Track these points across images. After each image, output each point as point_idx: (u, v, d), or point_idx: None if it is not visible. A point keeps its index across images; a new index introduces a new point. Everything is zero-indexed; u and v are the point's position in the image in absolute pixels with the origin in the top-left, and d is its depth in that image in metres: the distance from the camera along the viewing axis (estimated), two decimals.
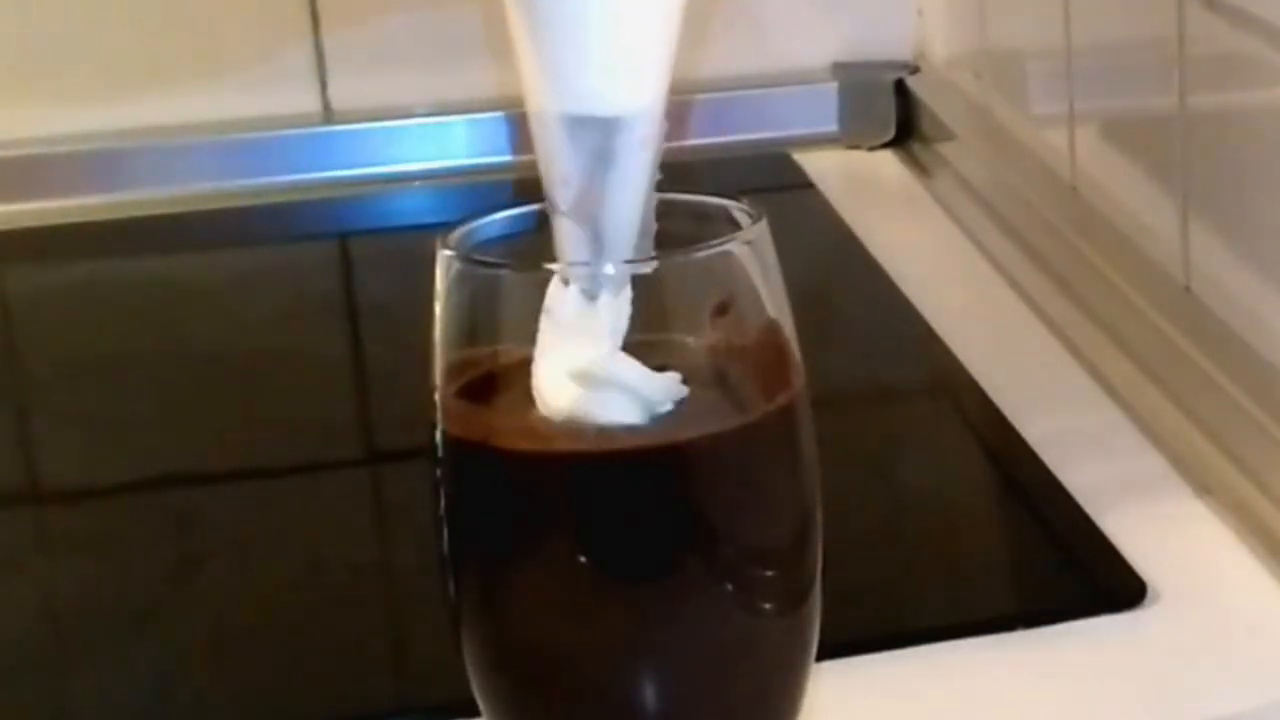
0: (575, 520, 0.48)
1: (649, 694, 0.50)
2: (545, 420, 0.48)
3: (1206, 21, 0.78)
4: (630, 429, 0.48)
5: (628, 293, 0.49)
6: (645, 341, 0.49)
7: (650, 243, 0.50)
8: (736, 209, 0.51)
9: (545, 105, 0.49)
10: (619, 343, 0.49)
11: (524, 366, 0.49)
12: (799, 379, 0.50)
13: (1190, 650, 0.67)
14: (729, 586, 0.49)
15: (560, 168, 0.49)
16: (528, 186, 0.51)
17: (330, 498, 0.83)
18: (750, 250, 0.50)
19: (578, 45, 0.48)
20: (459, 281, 0.50)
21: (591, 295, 0.49)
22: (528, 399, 0.49)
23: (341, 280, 1.11)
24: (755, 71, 1.18)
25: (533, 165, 0.50)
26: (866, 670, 0.66)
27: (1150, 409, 0.82)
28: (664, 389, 0.48)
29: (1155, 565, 0.71)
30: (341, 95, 1.17)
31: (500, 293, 0.49)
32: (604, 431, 0.48)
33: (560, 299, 0.49)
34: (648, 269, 0.49)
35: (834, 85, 1.18)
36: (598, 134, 0.49)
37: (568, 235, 0.49)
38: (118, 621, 0.73)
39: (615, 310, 0.49)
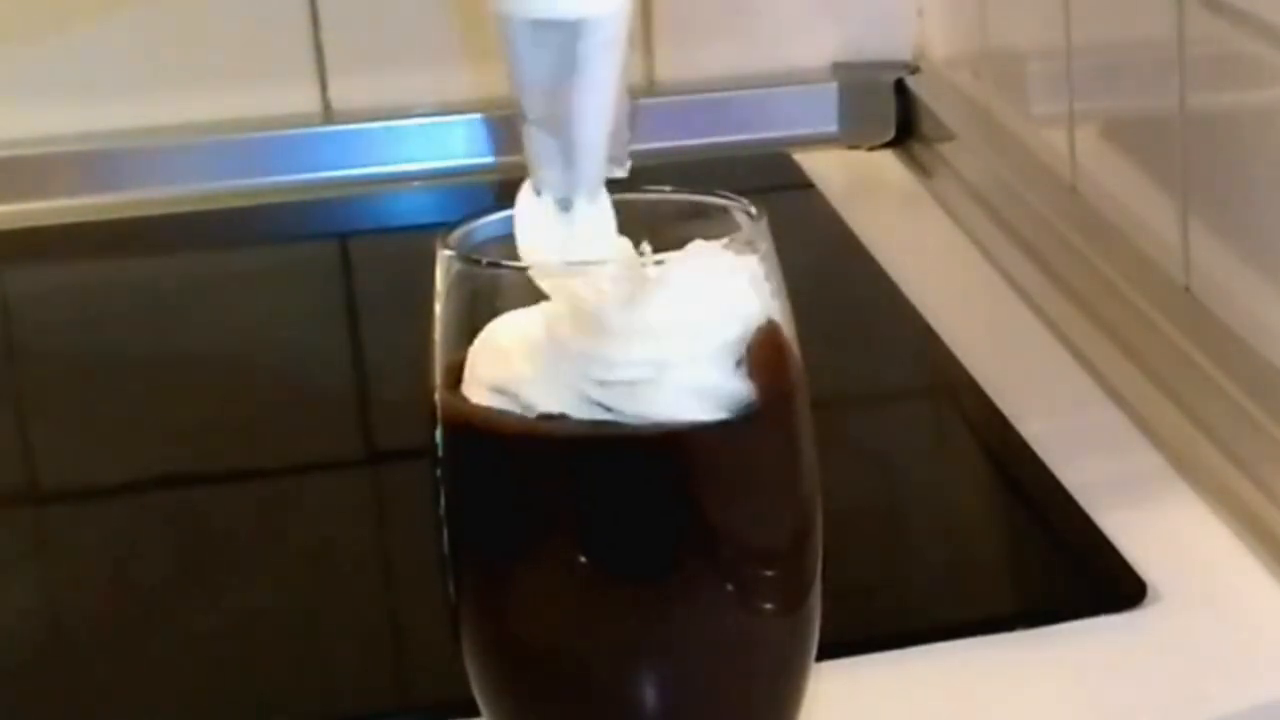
0: (573, 515, 0.48)
1: (649, 693, 0.50)
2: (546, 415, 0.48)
3: (1206, 21, 0.78)
4: (630, 423, 0.48)
5: (606, 200, 0.49)
6: None
7: (624, 148, 0.50)
8: (736, 209, 0.51)
9: (509, 10, 0.48)
10: (602, 248, 0.48)
11: None
12: (799, 378, 0.50)
13: (1190, 650, 0.67)
14: (729, 585, 0.49)
15: (526, 75, 0.49)
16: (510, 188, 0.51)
17: (330, 498, 0.83)
18: (750, 250, 0.50)
19: None
20: (459, 281, 0.50)
21: (566, 205, 0.49)
22: None
23: (341, 280, 1.10)
24: (755, 71, 1.18)
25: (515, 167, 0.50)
26: (866, 670, 0.66)
27: (1150, 409, 0.82)
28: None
29: (1155, 565, 0.71)
30: (341, 95, 1.17)
31: (500, 293, 0.49)
32: (601, 424, 0.48)
33: (532, 211, 0.49)
34: (620, 172, 0.49)
35: (834, 85, 1.18)
36: (561, 38, 0.48)
37: (538, 145, 0.49)
38: (118, 622, 0.73)
39: (594, 218, 0.49)
